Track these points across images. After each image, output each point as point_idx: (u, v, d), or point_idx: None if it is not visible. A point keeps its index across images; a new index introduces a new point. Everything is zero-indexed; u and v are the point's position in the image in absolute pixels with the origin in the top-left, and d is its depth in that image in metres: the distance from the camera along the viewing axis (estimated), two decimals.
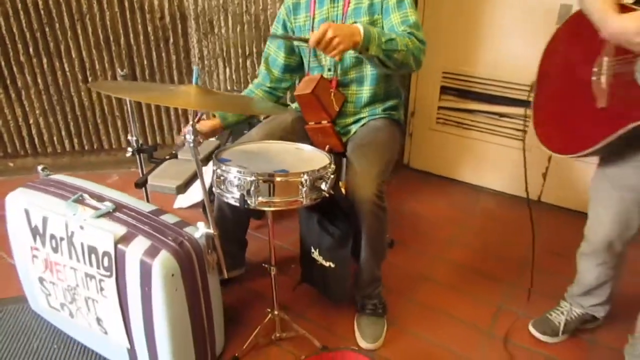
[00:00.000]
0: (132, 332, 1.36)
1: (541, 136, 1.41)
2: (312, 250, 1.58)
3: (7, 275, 1.87)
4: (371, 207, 1.43)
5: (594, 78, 1.22)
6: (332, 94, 1.62)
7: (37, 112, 2.56)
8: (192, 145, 1.17)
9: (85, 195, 1.42)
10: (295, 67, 1.77)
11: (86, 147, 2.69)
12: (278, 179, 1.24)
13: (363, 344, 1.58)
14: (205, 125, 1.72)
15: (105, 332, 1.42)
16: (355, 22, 1.49)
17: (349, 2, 1.54)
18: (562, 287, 1.68)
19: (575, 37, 1.30)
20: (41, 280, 1.50)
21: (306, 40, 1.39)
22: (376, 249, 1.56)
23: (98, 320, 1.41)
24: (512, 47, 2.34)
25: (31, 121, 2.58)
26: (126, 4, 2.40)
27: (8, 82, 2.45)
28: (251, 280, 1.90)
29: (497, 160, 2.61)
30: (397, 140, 1.70)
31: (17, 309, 1.74)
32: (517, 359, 1.57)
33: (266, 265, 1.50)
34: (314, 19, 1.62)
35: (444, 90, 2.67)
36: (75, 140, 2.67)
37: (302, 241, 1.66)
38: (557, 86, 1.38)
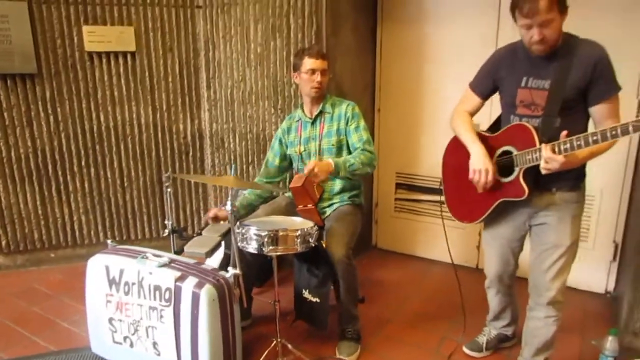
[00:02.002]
0: (180, 349, 1.93)
1: (454, 214, 2.13)
2: (304, 291, 2.23)
3: (67, 334, 2.48)
4: (343, 265, 2.13)
5: None
6: (315, 186, 2.39)
7: (81, 210, 3.24)
8: (230, 211, 1.89)
9: (148, 254, 2.08)
10: (284, 169, 2.57)
11: (117, 238, 3.34)
12: (281, 233, 1.95)
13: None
14: (224, 213, 2.44)
15: (159, 354, 1.99)
16: (330, 146, 2.36)
17: (323, 127, 2.39)
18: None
19: (459, 148, 2.00)
20: (110, 320, 2.08)
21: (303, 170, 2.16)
22: (350, 292, 2.22)
23: (154, 344, 1.98)
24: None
25: (75, 218, 3.24)
26: (159, 127, 3.23)
27: (62, 187, 3.16)
28: (257, 327, 2.49)
29: (442, 238, 3.34)
30: (359, 218, 2.43)
31: (79, 355, 2.27)
32: None
33: (271, 302, 2.14)
34: (300, 137, 2.45)
35: (398, 185, 3.51)
36: (109, 233, 3.32)
37: (295, 287, 2.30)
38: (455, 180, 2.08)
